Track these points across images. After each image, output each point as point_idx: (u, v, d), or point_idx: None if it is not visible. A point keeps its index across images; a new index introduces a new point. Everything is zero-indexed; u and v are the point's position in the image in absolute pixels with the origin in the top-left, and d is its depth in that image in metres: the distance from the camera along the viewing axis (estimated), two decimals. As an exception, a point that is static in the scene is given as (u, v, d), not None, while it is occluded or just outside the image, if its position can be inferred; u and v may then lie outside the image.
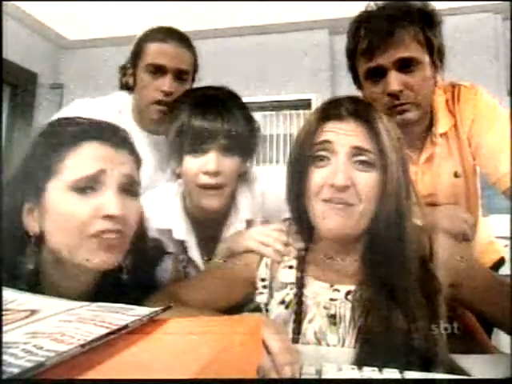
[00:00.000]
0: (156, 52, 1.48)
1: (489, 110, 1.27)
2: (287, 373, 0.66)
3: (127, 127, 1.56)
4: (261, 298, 1.02)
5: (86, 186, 0.83)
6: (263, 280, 1.03)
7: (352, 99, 0.96)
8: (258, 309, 1.01)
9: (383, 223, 0.89)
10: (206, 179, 1.13)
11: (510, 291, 0.89)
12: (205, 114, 1.13)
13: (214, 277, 1.11)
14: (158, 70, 1.48)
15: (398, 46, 1.16)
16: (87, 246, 0.82)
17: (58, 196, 0.83)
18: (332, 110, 0.94)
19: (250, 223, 1.21)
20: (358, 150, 0.89)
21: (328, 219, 0.89)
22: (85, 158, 0.85)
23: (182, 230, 1.24)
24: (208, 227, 1.26)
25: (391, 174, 0.88)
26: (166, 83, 1.47)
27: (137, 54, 1.53)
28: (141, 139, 1.57)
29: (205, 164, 1.12)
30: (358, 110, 0.92)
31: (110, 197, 0.83)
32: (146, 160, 1.57)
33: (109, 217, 0.82)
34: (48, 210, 0.84)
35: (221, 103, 1.16)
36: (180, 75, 1.49)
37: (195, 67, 1.57)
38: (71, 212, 0.82)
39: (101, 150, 0.86)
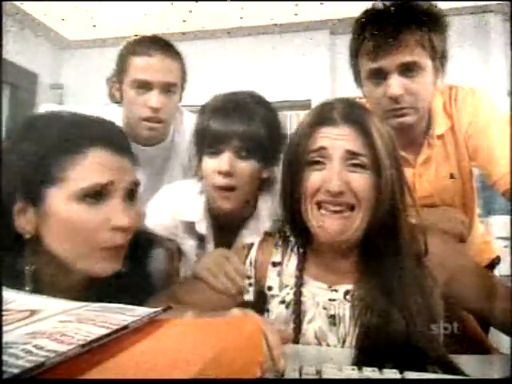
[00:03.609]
0: (140, 67, 1.43)
1: (486, 111, 1.27)
2: (282, 365, 0.66)
3: None
4: (248, 297, 1.03)
5: (93, 196, 0.83)
6: (248, 278, 1.04)
7: (345, 102, 0.97)
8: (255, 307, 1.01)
9: (379, 224, 0.91)
10: (219, 179, 1.15)
11: (510, 292, 0.89)
12: (224, 116, 1.15)
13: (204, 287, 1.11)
14: (144, 86, 1.44)
15: (403, 50, 1.15)
16: (93, 256, 0.83)
17: (62, 205, 0.82)
18: (325, 115, 0.95)
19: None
20: (351, 155, 0.90)
21: (325, 226, 0.91)
22: (91, 168, 0.83)
23: (204, 225, 1.27)
24: (226, 229, 1.28)
25: (385, 176, 0.89)
26: (153, 99, 1.43)
27: (121, 68, 1.48)
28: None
29: (219, 164, 1.15)
30: (350, 114, 0.93)
31: (118, 207, 0.84)
32: (139, 173, 1.58)
33: (118, 228, 0.83)
34: (50, 217, 0.83)
35: (242, 107, 1.17)
36: (167, 88, 1.45)
37: (183, 75, 1.52)
38: (77, 222, 0.82)
39: (107, 159, 0.85)
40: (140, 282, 0.95)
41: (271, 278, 1.03)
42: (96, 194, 0.83)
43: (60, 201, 0.82)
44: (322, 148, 0.91)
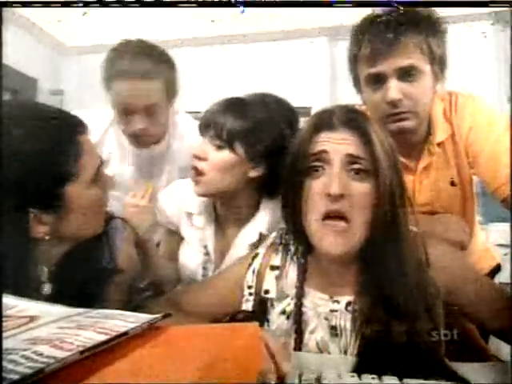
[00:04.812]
0: (121, 91, 1.42)
1: (486, 118, 1.27)
2: (286, 368, 0.67)
3: (117, 140, 1.59)
4: (247, 306, 1.02)
5: (96, 177, 0.94)
6: (249, 287, 1.04)
7: (344, 108, 0.96)
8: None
9: (379, 232, 0.89)
10: (195, 162, 1.21)
11: (510, 299, 0.89)
12: (217, 109, 1.20)
13: (210, 286, 1.11)
14: (127, 109, 1.43)
15: (401, 55, 1.16)
16: (98, 224, 0.98)
17: (83, 193, 0.91)
18: (324, 120, 0.94)
19: (263, 236, 1.21)
20: (351, 158, 0.89)
21: (325, 240, 0.89)
22: (90, 153, 0.93)
23: (202, 219, 1.32)
24: (229, 227, 1.32)
25: (384, 180, 0.88)
26: (137, 123, 1.44)
27: (106, 84, 1.46)
28: (129, 152, 1.61)
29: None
30: (349, 119, 0.93)
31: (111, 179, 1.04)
32: (132, 170, 1.62)
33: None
34: (70, 207, 0.89)
35: (239, 103, 1.20)
36: (150, 109, 1.44)
37: (170, 88, 1.49)
38: (94, 200, 0.94)
39: (91, 140, 0.96)
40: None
41: (268, 281, 1.02)
42: (98, 175, 0.94)
43: (77, 192, 0.90)
44: (323, 152, 0.90)
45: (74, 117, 0.94)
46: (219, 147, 1.18)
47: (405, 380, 0.72)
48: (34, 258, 0.89)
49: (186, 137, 1.60)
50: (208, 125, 1.19)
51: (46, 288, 0.93)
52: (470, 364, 0.85)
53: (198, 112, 1.27)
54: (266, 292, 1.02)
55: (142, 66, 1.41)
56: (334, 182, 0.87)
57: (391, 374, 0.73)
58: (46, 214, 0.87)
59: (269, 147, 1.18)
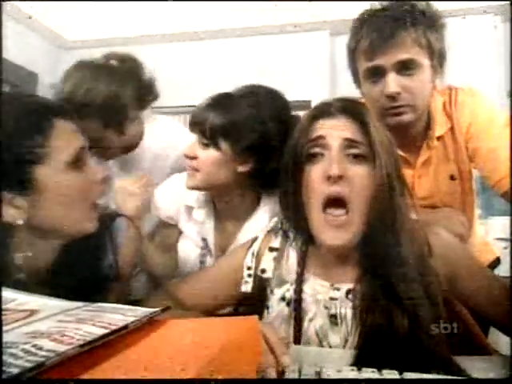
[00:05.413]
0: None
1: (486, 112, 1.27)
2: (286, 361, 0.68)
3: None
4: (246, 287, 1.03)
5: (75, 163, 0.88)
6: (249, 268, 1.04)
7: (341, 99, 0.98)
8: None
9: (379, 220, 0.89)
10: (186, 161, 1.23)
11: (510, 293, 0.89)
12: (204, 106, 1.20)
13: (211, 270, 1.13)
14: None
15: (399, 48, 1.17)
16: (85, 217, 0.92)
17: (58, 177, 0.86)
18: (322, 109, 0.96)
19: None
20: (349, 142, 0.90)
21: (326, 234, 0.90)
22: (67, 136, 0.88)
23: (202, 213, 1.32)
24: (229, 222, 1.32)
25: (381, 165, 0.88)
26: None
27: None
28: None
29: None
30: (347, 107, 0.94)
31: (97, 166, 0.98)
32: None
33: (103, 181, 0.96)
34: (44, 193, 0.85)
35: (227, 98, 1.20)
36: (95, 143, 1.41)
37: (116, 120, 1.45)
38: (72, 189, 0.88)
39: (71, 127, 0.91)
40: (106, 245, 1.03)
41: (265, 261, 1.02)
42: (77, 161, 0.88)
43: (50, 176, 0.85)
44: (321, 137, 0.91)
45: (50, 100, 0.93)
46: (205, 145, 1.19)
47: (405, 374, 0.72)
48: (12, 248, 0.86)
49: (169, 138, 1.58)
50: (194, 122, 1.20)
51: (21, 276, 0.87)
52: (469, 357, 0.85)
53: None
54: (263, 271, 1.02)
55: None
56: (334, 164, 0.88)
57: (391, 367, 0.73)
58: (18, 197, 0.83)
59: (254, 142, 1.17)
